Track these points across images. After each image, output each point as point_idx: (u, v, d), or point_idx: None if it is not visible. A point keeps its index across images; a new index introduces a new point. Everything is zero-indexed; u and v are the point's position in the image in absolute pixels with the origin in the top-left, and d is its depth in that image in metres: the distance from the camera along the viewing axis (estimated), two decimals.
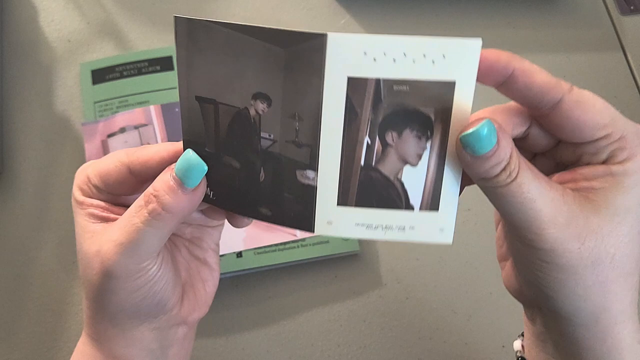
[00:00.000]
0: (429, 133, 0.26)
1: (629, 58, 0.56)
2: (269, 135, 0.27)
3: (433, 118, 0.26)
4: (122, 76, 0.50)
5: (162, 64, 0.50)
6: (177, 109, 0.48)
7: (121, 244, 0.27)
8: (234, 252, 0.45)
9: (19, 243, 0.46)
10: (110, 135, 0.47)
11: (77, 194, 0.30)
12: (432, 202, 0.27)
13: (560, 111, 0.25)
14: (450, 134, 0.26)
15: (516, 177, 0.25)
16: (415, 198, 0.27)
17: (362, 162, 0.27)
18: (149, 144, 0.47)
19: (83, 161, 0.47)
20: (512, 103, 0.27)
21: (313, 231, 0.28)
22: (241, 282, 0.45)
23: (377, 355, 0.44)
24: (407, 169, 0.27)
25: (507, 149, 0.25)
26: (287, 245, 0.45)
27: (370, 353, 0.44)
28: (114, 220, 0.29)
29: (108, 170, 0.29)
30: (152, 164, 0.28)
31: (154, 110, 0.48)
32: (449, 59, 0.25)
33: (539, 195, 0.25)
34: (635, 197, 0.25)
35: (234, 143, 0.27)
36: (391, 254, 0.47)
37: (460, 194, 0.27)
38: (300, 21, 0.55)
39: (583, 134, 0.25)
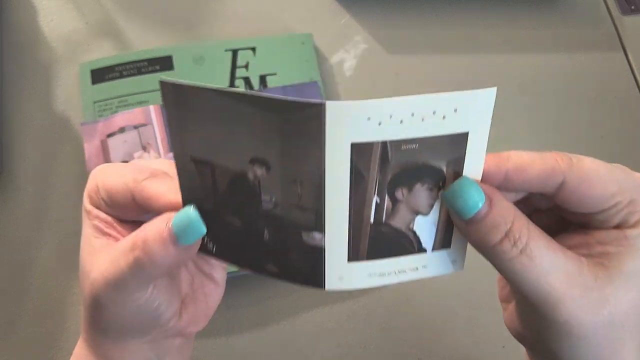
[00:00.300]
0: (440, 183, 0.25)
1: (630, 58, 0.56)
2: (270, 199, 0.25)
3: (445, 169, 0.25)
4: (121, 76, 0.49)
5: (161, 63, 0.50)
6: None
7: (107, 279, 0.26)
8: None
9: (18, 243, 0.46)
10: (109, 135, 0.47)
11: (85, 201, 0.29)
12: (444, 242, 0.27)
13: (565, 191, 0.24)
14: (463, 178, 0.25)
15: (526, 247, 0.24)
16: (428, 242, 0.27)
17: (372, 220, 0.26)
18: (148, 144, 0.47)
19: (82, 161, 0.47)
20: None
21: (324, 288, 0.27)
22: (242, 282, 0.45)
23: (377, 356, 0.44)
24: (419, 218, 0.26)
25: (504, 212, 0.24)
26: None
27: (371, 353, 0.44)
28: (116, 239, 0.28)
29: (115, 188, 0.27)
30: (156, 205, 0.26)
31: (153, 110, 0.48)
32: (461, 112, 0.24)
33: (553, 268, 0.24)
34: None
35: (234, 203, 0.26)
36: None
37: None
38: (300, 20, 0.55)
39: (592, 207, 0.25)
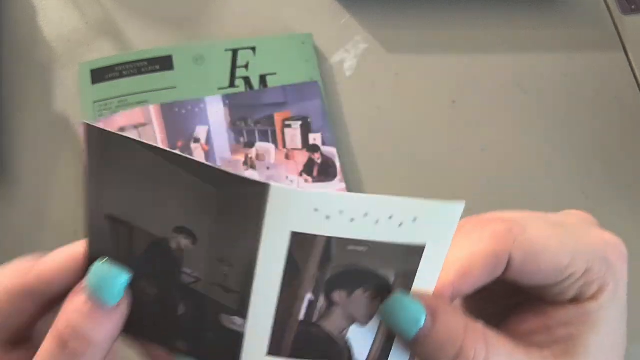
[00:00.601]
0: (385, 294, 0.23)
1: (630, 58, 0.56)
2: (192, 273, 0.23)
3: (392, 280, 0.22)
4: (121, 76, 0.49)
5: (161, 63, 0.50)
6: (176, 109, 0.48)
7: None
8: None
9: (17, 243, 0.46)
10: None
11: None
12: (382, 354, 0.23)
13: (513, 270, 0.22)
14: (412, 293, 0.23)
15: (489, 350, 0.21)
16: (361, 355, 0.24)
17: (302, 317, 0.23)
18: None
19: (82, 161, 0.47)
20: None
21: None
22: None
23: None
24: (354, 327, 0.23)
25: (452, 326, 0.21)
26: None
27: None
28: None
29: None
30: (56, 280, 0.23)
31: (153, 110, 0.48)
32: (420, 223, 0.21)
33: None
34: (616, 334, 0.23)
35: (149, 270, 0.23)
36: None
37: None
38: (300, 20, 0.55)
39: (544, 282, 0.22)
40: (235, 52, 0.51)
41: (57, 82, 0.51)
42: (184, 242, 0.22)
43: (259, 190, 0.20)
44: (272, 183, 0.20)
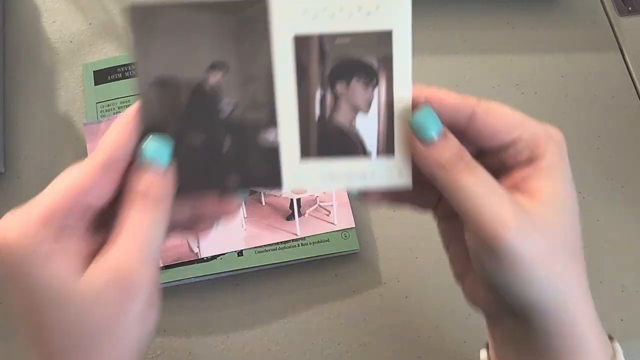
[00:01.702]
0: (374, 80, 0.28)
1: (627, 58, 0.56)
2: (229, 101, 0.28)
3: (376, 66, 0.28)
4: (124, 77, 0.50)
5: None
6: None
7: (141, 247, 0.26)
8: (235, 251, 0.45)
9: None
10: None
11: (38, 238, 0.25)
12: (387, 147, 0.29)
13: (475, 122, 0.28)
14: (394, 81, 0.28)
15: (470, 162, 0.27)
16: (372, 144, 0.29)
17: (318, 114, 0.28)
18: None
19: None
20: None
21: (281, 187, 0.29)
22: (242, 280, 0.46)
23: (376, 354, 0.44)
24: (360, 117, 0.28)
25: (455, 139, 0.28)
26: (288, 245, 0.45)
27: (370, 351, 0.44)
28: (93, 258, 0.26)
29: (85, 179, 0.26)
30: (124, 143, 0.27)
31: None
32: (382, 10, 0.27)
33: (492, 189, 0.27)
34: (566, 186, 0.29)
35: (194, 119, 0.28)
36: (391, 254, 0.47)
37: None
38: None
39: (499, 137, 0.28)
40: None
41: (60, 83, 0.52)
42: (218, 75, 0.27)
43: (262, 4, 0.27)
44: None
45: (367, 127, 0.28)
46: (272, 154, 0.28)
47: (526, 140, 0.28)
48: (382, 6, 0.27)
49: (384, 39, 0.27)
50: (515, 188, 0.28)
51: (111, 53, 0.53)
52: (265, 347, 0.44)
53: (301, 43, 0.27)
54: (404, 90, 0.28)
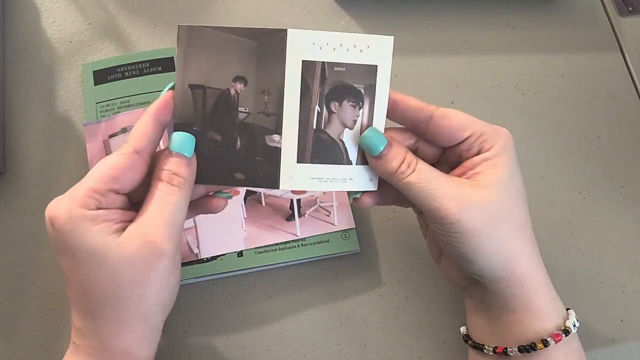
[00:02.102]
0: (360, 103, 0.35)
1: (627, 59, 0.56)
2: (245, 109, 0.35)
3: (363, 92, 0.35)
4: (123, 77, 0.50)
5: (163, 64, 0.51)
6: None
7: (167, 219, 0.32)
8: (235, 252, 0.45)
9: (20, 242, 0.46)
10: (112, 136, 0.48)
11: (82, 211, 0.31)
12: (364, 158, 0.36)
13: (433, 124, 0.35)
14: (375, 104, 0.36)
15: (416, 167, 0.34)
16: (353, 155, 0.36)
17: (314, 126, 0.35)
18: None
19: (85, 161, 0.48)
20: (401, 127, 0.37)
21: (278, 187, 0.35)
22: (242, 281, 0.46)
23: (376, 354, 0.44)
24: (346, 131, 0.36)
25: (400, 149, 0.35)
26: (288, 245, 0.45)
27: (370, 352, 0.44)
28: (125, 227, 0.32)
29: (117, 164, 0.32)
30: (150, 134, 0.34)
31: None
32: (372, 49, 0.35)
33: (436, 180, 0.34)
34: (507, 171, 0.35)
35: (217, 119, 0.35)
36: (391, 254, 0.47)
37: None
38: (300, 22, 0.56)
39: (454, 136, 0.35)
40: None
41: (60, 83, 0.52)
42: (239, 86, 0.35)
43: (281, 35, 0.34)
44: (288, 28, 0.34)
45: (351, 139, 0.36)
46: (274, 157, 0.35)
47: (476, 137, 0.35)
48: (372, 46, 0.35)
49: (371, 71, 0.35)
50: (464, 175, 0.36)
51: (111, 53, 0.53)
52: (265, 348, 0.44)
53: (308, 67, 0.35)
54: (381, 112, 0.36)
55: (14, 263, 0.46)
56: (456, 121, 0.35)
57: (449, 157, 0.37)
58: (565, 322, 0.36)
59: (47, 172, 0.48)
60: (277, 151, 0.35)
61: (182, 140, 0.34)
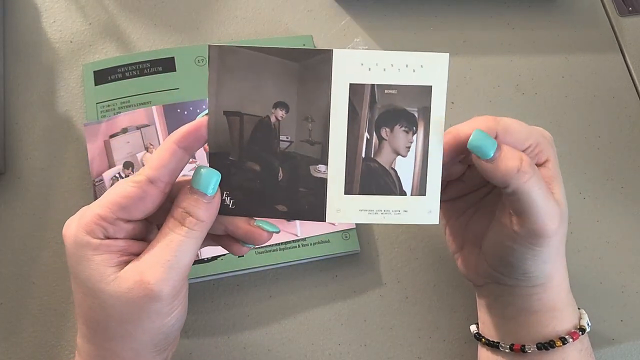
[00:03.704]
0: (414, 128, 0.32)
1: (627, 59, 0.56)
2: (287, 138, 0.32)
3: (417, 116, 0.32)
4: (124, 77, 0.50)
5: (164, 65, 0.51)
6: (179, 110, 0.48)
7: (167, 261, 0.30)
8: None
9: (21, 243, 0.46)
10: (112, 136, 0.48)
11: (86, 238, 0.30)
12: (420, 188, 0.33)
13: (498, 141, 0.33)
14: (430, 129, 0.32)
15: (536, 171, 0.32)
16: (407, 184, 0.33)
17: (364, 154, 0.32)
18: (151, 144, 0.47)
19: (85, 161, 0.48)
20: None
21: (325, 220, 0.32)
22: (243, 281, 0.46)
23: (377, 354, 0.44)
24: (399, 159, 0.33)
25: (514, 149, 0.32)
26: (288, 245, 0.45)
27: (371, 352, 0.44)
28: (130, 261, 0.31)
29: (126, 194, 0.30)
30: (167, 162, 0.31)
31: (155, 111, 0.48)
32: (426, 68, 0.32)
33: (548, 192, 0.33)
34: (560, 184, 0.35)
35: (255, 148, 0.32)
36: (391, 254, 0.47)
37: (443, 182, 0.33)
38: (300, 22, 0.56)
39: (518, 149, 0.34)
40: None
41: (60, 83, 0.52)
42: (280, 113, 0.31)
43: (326, 56, 0.31)
44: (333, 48, 0.31)
45: (405, 168, 0.33)
46: (319, 188, 0.32)
47: (533, 148, 0.34)
48: (425, 65, 0.31)
49: (425, 92, 0.32)
50: None
51: (111, 53, 0.53)
52: (265, 348, 0.44)
53: (355, 90, 0.31)
54: (437, 137, 0.32)
55: (14, 263, 0.46)
56: (516, 135, 0.33)
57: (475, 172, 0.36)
58: (580, 320, 0.37)
59: (47, 172, 0.48)
60: (322, 182, 0.32)
61: (205, 177, 0.31)
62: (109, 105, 0.49)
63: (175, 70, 0.50)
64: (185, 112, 0.48)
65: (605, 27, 0.58)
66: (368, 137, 0.32)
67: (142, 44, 0.54)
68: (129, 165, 0.47)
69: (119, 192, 0.30)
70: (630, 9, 0.59)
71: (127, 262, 0.31)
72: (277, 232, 0.33)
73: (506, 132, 0.33)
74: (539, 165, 0.35)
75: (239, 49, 0.30)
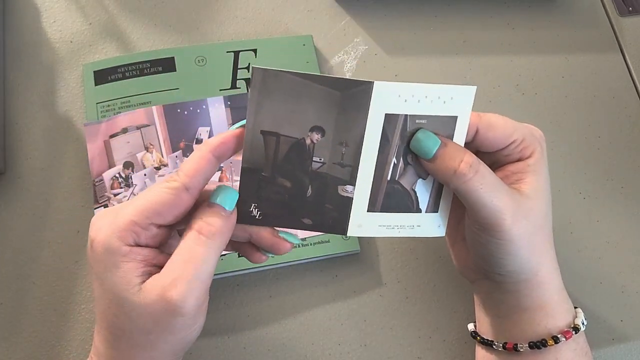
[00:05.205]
0: None
1: (627, 59, 0.56)
2: (320, 159, 0.33)
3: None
4: (124, 77, 0.50)
5: (164, 65, 0.51)
6: (179, 110, 0.48)
7: (190, 275, 0.30)
8: (236, 252, 0.45)
9: (21, 243, 0.46)
10: (112, 136, 0.48)
11: (118, 244, 0.30)
12: (434, 206, 0.36)
13: (480, 136, 0.34)
14: None
15: (478, 169, 0.33)
16: (423, 203, 0.35)
17: (389, 177, 0.34)
18: (151, 144, 0.47)
19: (85, 161, 0.48)
20: None
21: (346, 234, 0.35)
22: (243, 281, 0.46)
23: (377, 354, 0.44)
24: (420, 181, 0.35)
25: (457, 148, 0.33)
26: None
27: (371, 352, 0.44)
28: (153, 273, 0.31)
29: (162, 201, 0.31)
30: (203, 170, 0.31)
31: (156, 111, 0.48)
32: (454, 100, 0.33)
33: (497, 187, 0.33)
34: (545, 178, 0.36)
35: (288, 167, 0.33)
36: (391, 254, 0.47)
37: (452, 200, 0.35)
38: (300, 22, 0.56)
39: (498, 146, 0.35)
40: (236, 54, 0.52)
41: (60, 83, 0.52)
42: (316, 136, 0.33)
43: (367, 87, 0.32)
44: (374, 81, 0.32)
45: (423, 189, 0.35)
46: (345, 204, 0.34)
47: (518, 144, 0.35)
48: (455, 97, 0.33)
49: (450, 121, 0.34)
50: (506, 179, 0.35)
51: (111, 53, 0.53)
52: (265, 348, 0.44)
53: (390, 119, 0.33)
54: None
55: (14, 263, 0.46)
56: (501, 131, 0.34)
57: (485, 157, 0.36)
58: (574, 320, 0.37)
59: (47, 172, 0.48)
60: (348, 201, 0.34)
61: (224, 195, 0.32)
62: (109, 105, 0.49)
63: (175, 70, 0.50)
64: (185, 112, 0.48)
65: (605, 27, 0.58)
66: (395, 162, 0.34)
67: (142, 44, 0.54)
68: (129, 165, 0.47)
69: (154, 198, 0.31)
70: (630, 9, 0.59)
71: (149, 273, 0.31)
72: (298, 245, 0.35)
73: (488, 128, 0.34)
74: (522, 160, 0.35)
75: (281, 73, 0.31)
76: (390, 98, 0.32)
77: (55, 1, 0.55)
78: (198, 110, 0.49)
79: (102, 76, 0.50)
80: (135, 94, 0.49)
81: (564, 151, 0.52)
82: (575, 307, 0.38)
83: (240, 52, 0.52)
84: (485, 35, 0.57)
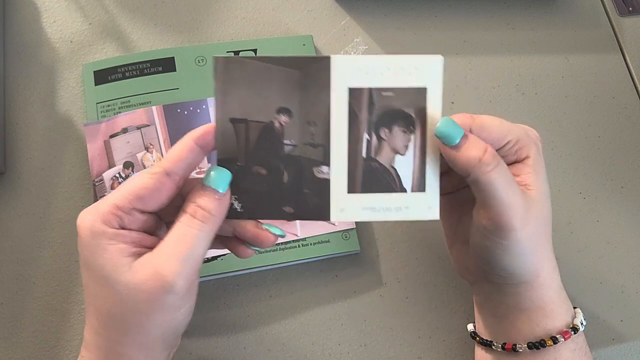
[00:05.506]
0: (411, 128, 0.34)
1: (628, 59, 0.56)
2: (291, 141, 0.33)
3: (414, 116, 0.33)
4: (124, 77, 0.50)
5: (164, 65, 0.51)
6: (179, 110, 0.48)
7: (182, 254, 0.31)
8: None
9: (21, 243, 0.46)
10: (112, 136, 0.48)
11: (103, 227, 0.31)
12: (419, 185, 0.34)
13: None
14: (427, 128, 0.33)
15: (500, 161, 0.32)
16: (407, 182, 0.34)
17: (364, 155, 0.34)
18: (151, 144, 0.47)
19: (85, 161, 0.48)
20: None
21: (329, 219, 0.34)
22: (243, 281, 0.46)
23: (377, 354, 0.44)
24: (398, 157, 0.34)
25: (479, 140, 0.33)
26: (288, 245, 0.45)
27: (371, 352, 0.44)
28: (143, 253, 0.31)
29: (144, 185, 0.31)
30: (185, 157, 0.32)
31: (156, 111, 0.48)
32: (420, 70, 0.33)
33: (513, 184, 0.33)
34: (545, 179, 0.36)
35: (261, 153, 0.33)
36: (391, 254, 0.47)
37: (440, 178, 0.34)
38: (300, 22, 0.56)
39: (493, 147, 0.34)
40: (236, 54, 0.52)
41: (60, 83, 0.52)
42: (283, 118, 0.33)
43: (325, 62, 0.32)
44: (332, 55, 0.32)
45: (404, 166, 0.34)
46: (323, 189, 0.34)
47: (512, 144, 0.34)
48: (420, 67, 0.33)
49: (421, 93, 0.33)
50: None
51: (111, 53, 0.53)
52: (265, 348, 0.44)
53: (355, 94, 0.33)
54: (434, 136, 0.33)
55: (14, 263, 0.46)
56: (495, 132, 0.34)
57: None
58: (573, 320, 0.37)
59: (47, 172, 0.48)
60: (326, 183, 0.33)
61: (217, 176, 0.32)
62: (109, 105, 0.49)
63: (175, 70, 0.50)
64: (185, 112, 0.48)
65: (605, 27, 0.58)
66: (368, 138, 0.33)
67: (142, 44, 0.54)
68: (129, 165, 0.47)
69: (136, 183, 0.31)
70: (630, 9, 0.59)
71: (140, 254, 0.31)
72: (283, 237, 0.35)
73: (481, 129, 0.34)
74: (518, 162, 0.35)
75: (242, 60, 0.32)
76: (351, 72, 0.32)
77: (55, 1, 0.55)
78: (198, 110, 0.49)
79: (102, 76, 0.50)
80: (135, 94, 0.49)
81: (564, 151, 0.52)
82: (575, 307, 0.38)
83: (241, 52, 0.52)
84: (485, 35, 0.57)
